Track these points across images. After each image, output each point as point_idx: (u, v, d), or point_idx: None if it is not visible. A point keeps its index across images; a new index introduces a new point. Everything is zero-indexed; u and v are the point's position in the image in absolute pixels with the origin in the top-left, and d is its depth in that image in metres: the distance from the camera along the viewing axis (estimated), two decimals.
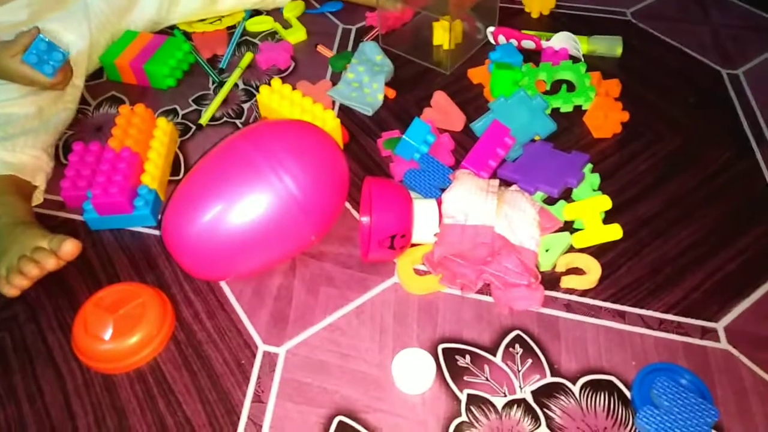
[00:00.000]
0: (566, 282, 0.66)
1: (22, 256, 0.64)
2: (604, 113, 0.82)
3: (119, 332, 0.61)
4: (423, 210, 0.68)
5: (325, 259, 0.70)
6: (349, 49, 0.98)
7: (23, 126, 0.77)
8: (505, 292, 0.64)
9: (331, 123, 0.79)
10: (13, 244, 0.66)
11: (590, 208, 0.70)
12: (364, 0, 1.05)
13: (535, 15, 1.02)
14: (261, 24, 1.03)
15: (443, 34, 0.96)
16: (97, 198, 0.71)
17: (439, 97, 0.87)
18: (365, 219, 0.70)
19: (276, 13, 1.06)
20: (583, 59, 0.91)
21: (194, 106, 0.90)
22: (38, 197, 0.77)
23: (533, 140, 0.81)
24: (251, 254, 0.64)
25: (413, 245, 0.69)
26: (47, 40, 0.77)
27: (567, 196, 0.74)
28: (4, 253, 0.66)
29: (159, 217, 0.75)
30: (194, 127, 0.87)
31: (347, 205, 0.76)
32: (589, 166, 0.77)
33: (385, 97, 0.89)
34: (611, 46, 0.94)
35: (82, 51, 0.89)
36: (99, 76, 0.95)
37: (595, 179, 0.75)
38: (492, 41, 0.97)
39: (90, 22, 0.91)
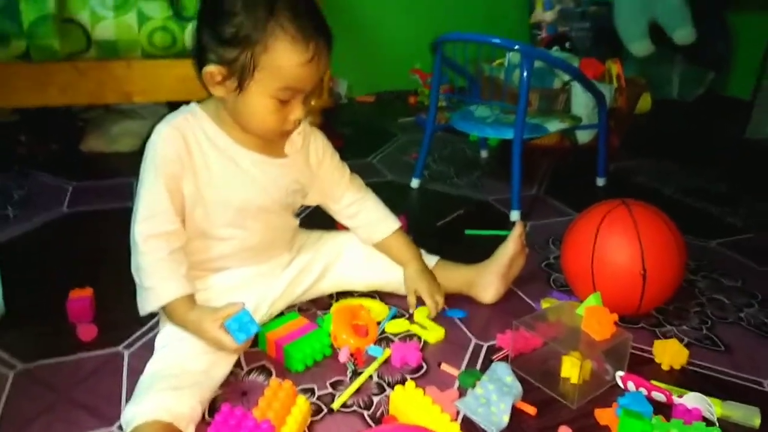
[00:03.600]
0: None
1: None
2: None
3: None
4: None
5: None
6: (478, 366, 1.05)
7: (192, 380, 0.88)
8: None
9: None
10: None
11: None
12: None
13: (665, 367, 1.05)
14: (399, 326, 1.14)
15: (572, 369, 1.00)
16: None
17: None
18: None
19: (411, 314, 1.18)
20: (717, 424, 0.89)
21: (330, 389, 0.97)
22: None
23: None
24: None
25: None
26: (250, 314, 0.91)
27: None
28: None
29: None
30: (325, 410, 0.93)
31: None
32: None
33: (511, 418, 0.91)
34: (748, 415, 0.91)
35: (258, 312, 1.06)
36: (254, 343, 1.08)
37: None
38: (621, 385, 0.99)
39: (282, 300, 1.12)
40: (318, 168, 1.13)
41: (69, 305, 1.12)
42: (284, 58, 0.89)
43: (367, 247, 1.21)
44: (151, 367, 0.91)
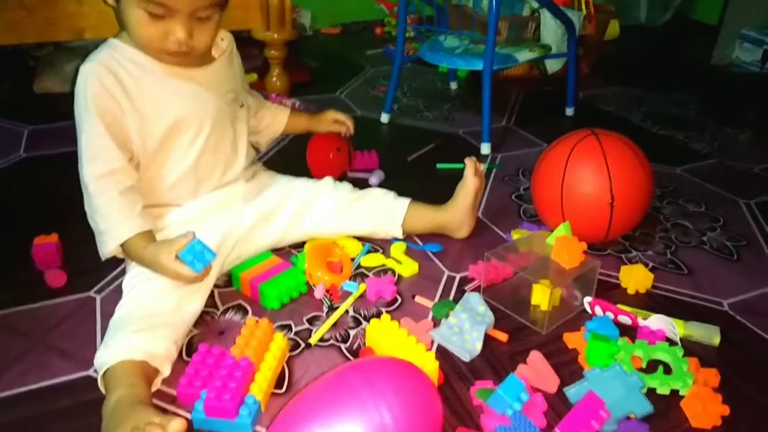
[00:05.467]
0: None
1: (134, 428, 0.70)
2: (703, 404, 0.82)
3: None
4: None
5: None
6: (451, 297, 1.07)
7: (163, 319, 0.88)
8: None
9: (430, 365, 0.84)
10: (128, 418, 0.72)
11: None
12: None
13: (631, 291, 1.08)
14: (373, 260, 1.15)
15: (542, 296, 1.03)
16: (210, 401, 0.76)
17: (535, 357, 0.91)
18: None
19: (386, 250, 1.19)
20: (680, 343, 0.94)
21: (307, 325, 0.99)
22: (157, 383, 0.85)
23: (628, 417, 0.81)
24: None
25: None
26: (202, 243, 0.90)
27: None
28: (118, 425, 0.72)
29: (255, 428, 0.79)
30: (303, 345, 0.94)
31: None
32: None
33: (484, 345, 0.94)
34: (708, 334, 0.96)
35: (221, 247, 1.04)
36: (229, 284, 1.08)
37: None
38: (589, 310, 1.02)
39: (248, 244, 1.10)
40: (240, 74, 1.14)
41: (34, 252, 1.09)
42: None
43: (338, 198, 1.17)
44: (121, 309, 0.91)
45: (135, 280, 0.95)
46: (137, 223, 0.93)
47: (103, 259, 0.96)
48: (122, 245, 0.93)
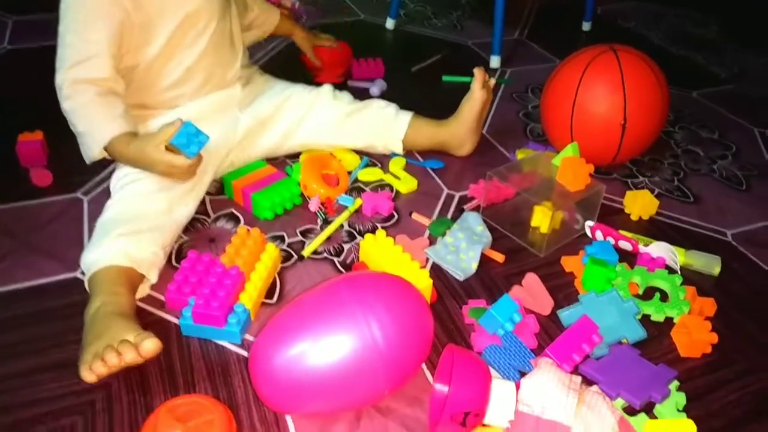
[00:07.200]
0: None
1: (108, 346, 0.68)
2: (689, 333, 0.80)
3: None
4: (501, 392, 0.67)
5: (392, 417, 0.70)
6: (449, 215, 1.04)
7: (152, 223, 0.85)
8: None
9: (424, 282, 0.83)
10: (105, 332, 0.71)
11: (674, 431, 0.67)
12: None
13: (634, 218, 1.05)
14: (371, 175, 1.12)
15: (542, 219, 1.00)
16: (198, 308, 0.75)
17: (531, 279, 0.89)
18: (441, 387, 0.70)
19: (384, 164, 1.15)
20: (679, 272, 0.92)
21: (300, 237, 0.96)
22: (144, 290, 0.83)
23: (620, 342, 0.80)
24: (325, 394, 0.66)
25: (483, 425, 0.68)
26: (194, 125, 0.84)
27: (648, 409, 0.72)
28: (95, 339, 0.70)
29: (244, 336, 0.78)
30: (296, 257, 0.92)
31: (423, 366, 0.77)
32: (675, 383, 0.75)
33: (479, 265, 0.92)
34: (709, 264, 0.94)
35: (215, 152, 1.00)
36: (221, 192, 1.04)
37: (680, 399, 0.73)
38: (589, 235, 1.00)
39: (242, 151, 1.06)
40: None
41: (19, 149, 1.05)
42: None
43: (337, 109, 1.12)
44: (108, 210, 0.87)
45: (123, 180, 0.91)
46: (119, 124, 0.87)
47: (88, 162, 0.91)
48: (105, 148, 0.88)
